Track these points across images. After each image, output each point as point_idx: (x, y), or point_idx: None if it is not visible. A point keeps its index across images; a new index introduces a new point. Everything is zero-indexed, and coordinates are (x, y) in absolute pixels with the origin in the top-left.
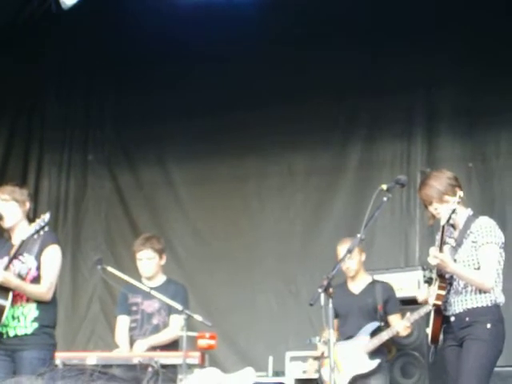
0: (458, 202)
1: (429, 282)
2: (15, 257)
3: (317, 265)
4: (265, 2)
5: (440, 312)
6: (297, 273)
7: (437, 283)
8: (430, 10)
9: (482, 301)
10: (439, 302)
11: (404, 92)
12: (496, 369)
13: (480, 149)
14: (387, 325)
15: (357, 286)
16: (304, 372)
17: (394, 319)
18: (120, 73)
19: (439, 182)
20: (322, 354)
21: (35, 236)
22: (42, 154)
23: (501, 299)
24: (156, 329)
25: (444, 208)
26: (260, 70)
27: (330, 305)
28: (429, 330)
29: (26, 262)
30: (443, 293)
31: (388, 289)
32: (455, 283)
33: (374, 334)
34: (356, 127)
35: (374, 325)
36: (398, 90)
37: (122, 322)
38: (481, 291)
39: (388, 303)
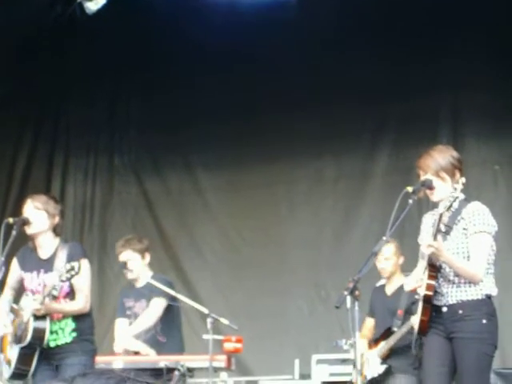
0: (461, 189)
1: None
2: (48, 295)
3: (347, 270)
4: (293, 6)
5: (430, 302)
6: (327, 278)
7: (426, 272)
8: (455, 13)
9: (477, 293)
10: (431, 293)
11: (429, 96)
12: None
13: (506, 151)
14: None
15: (391, 288)
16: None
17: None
18: (145, 77)
19: (442, 156)
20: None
21: (61, 250)
22: (67, 159)
23: (494, 292)
24: (147, 328)
25: (438, 184)
26: (287, 76)
27: (356, 307)
28: (416, 320)
29: (55, 282)
30: (433, 282)
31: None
32: (443, 271)
33: (387, 337)
34: (383, 132)
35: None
36: (424, 94)
37: (119, 326)
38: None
39: (414, 304)
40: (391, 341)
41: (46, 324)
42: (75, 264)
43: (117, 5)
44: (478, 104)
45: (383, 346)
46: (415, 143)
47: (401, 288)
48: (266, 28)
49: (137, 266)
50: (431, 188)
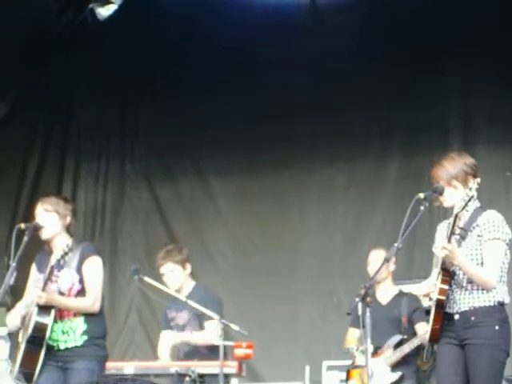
0: (476, 189)
1: None
2: (49, 279)
3: (358, 277)
4: (305, 9)
5: (442, 308)
6: (338, 285)
7: (440, 277)
8: (465, 20)
9: (490, 300)
10: (443, 297)
11: (440, 103)
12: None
13: None
14: (411, 337)
15: (384, 297)
16: None
17: (420, 327)
18: (155, 82)
19: (453, 165)
20: (353, 363)
21: (67, 258)
22: (78, 164)
23: (507, 300)
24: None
25: (450, 193)
26: (298, 83)
27: (368, 314)
28: (428, 327)
29: (66, 278)
30: (446, 287)
31: (414, 300)
32: (457, 277)
33: (397, 346)
34: (394, 139)
35: (397, 338)
36: (435, 101)
37: (162, 337)
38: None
39: (414, 313)
40: (406, 348)
41: (49, 320)
42: (69, 242)
43: (127, 10)
44: (488, 111)
45: (393, 354)
46: (426, 150)
47: (397, 296)
48: (278, 33)
49: (179, 277)
50: (442, 194)
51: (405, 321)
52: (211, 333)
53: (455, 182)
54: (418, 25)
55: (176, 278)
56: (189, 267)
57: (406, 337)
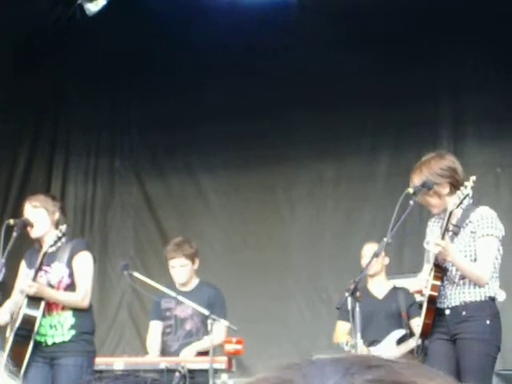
0: (472, 187)
1: None
2: (40, 269)
3: (348, 272)
4: (294, 8)
5: (434, 303)
6: (328, 280)
7: (432, 273)
8: (455, 15)
9: (481, 295)
10: (435, 293)
11: (430, 98)
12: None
13: (508, 153)
14: (412, 332)
15: (379, 291)
16: None
17: (415, 322)
18: (145, 78)
19: (419, 177)
20: None
21: (60, 244)
22: (67, 160)
23: (499, 296)
24: (189, 334)
25: (428, 205)
26: (288, 78)
27: (357, 308)
28: (419, 322)
29: (56, 272)
30: (438, 283)
31: (410, 295)
32: (449, 273)
33: (400, 341)
34: (384, 135)
35: (401, 332)
36: (425, 96)
37: (154, 328)
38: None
39: (411, 307)
40: (412, 343)
41: (38, 313)
42: (63, 227)
43: (117, 6)
44: (478, 106)
45: (397, 349)
46: (416, 146)
47: (393, 290)
48: (266, 30)
49: (188, 272)
50: (432, 189)
51: (404, 315)
52: (220, 335)
53: (427, 197)
54: (409, 22)
55: (185, 272)
56: (197, 262)
57: (408, 331)
